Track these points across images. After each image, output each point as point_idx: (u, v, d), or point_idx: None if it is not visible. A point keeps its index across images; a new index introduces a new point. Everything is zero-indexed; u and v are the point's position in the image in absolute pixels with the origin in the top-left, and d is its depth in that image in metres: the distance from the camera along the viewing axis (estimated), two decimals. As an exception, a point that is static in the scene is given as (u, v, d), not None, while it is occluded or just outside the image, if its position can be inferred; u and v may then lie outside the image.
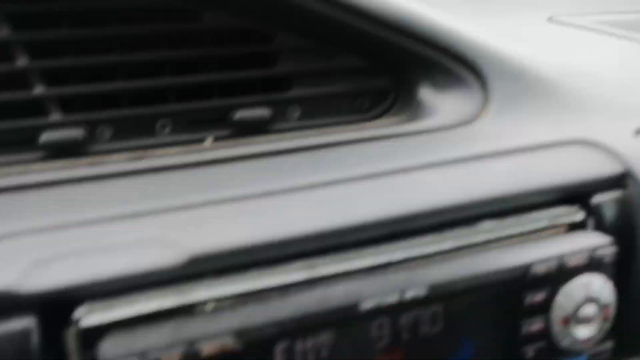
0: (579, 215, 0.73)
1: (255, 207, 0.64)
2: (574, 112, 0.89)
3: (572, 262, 0.67)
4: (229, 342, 0.54)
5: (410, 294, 0.61)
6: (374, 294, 0.60)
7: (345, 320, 0.59)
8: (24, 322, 0.53)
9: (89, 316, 0.54)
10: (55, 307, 0.55)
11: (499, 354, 0.67)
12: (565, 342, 0.69)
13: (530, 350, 0.68)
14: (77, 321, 0.54)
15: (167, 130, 0.84)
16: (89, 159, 0.76)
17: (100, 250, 0.57)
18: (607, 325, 0.71)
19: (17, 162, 0.76)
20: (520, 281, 0.65)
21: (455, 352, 0.65)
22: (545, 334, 0.68)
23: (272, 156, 0.76)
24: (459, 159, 0.74)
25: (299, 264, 0.62)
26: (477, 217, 0.70)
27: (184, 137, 0.85)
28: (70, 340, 0.54)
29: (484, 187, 0.71)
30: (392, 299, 0.60)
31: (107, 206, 0.62)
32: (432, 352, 0.64)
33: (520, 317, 0.67)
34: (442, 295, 0.62)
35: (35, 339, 0.53)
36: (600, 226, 0.74)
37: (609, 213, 0.75)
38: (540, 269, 0.65)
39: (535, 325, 0.67)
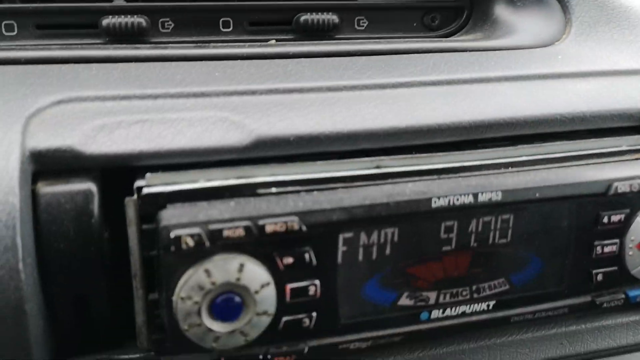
0: (661, 143, 0.69)
1: (323, 99, 0.61)
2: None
3: (656, 184, 0.63)
4: (294, 222, 0.52)
5: (484, 197, 0.57)
6: (446, 192, 0.57)
7: (413, 215, 0.56)
8: (86, 185, 0.52)
9: (152, 185, 0.52)
10: (118, 173, 0.53)
11: (566, 275, 0.64)
12: (637, 270, 0.65)
13: (599, 274, 0.64)
14: (139, 189, 0.52)
15: (229, 28, 0.82)
16: (152, 45, 0.74)
17: (165, 122, 0.55)
18: (684, 257, 0.67)
19: (82, 45, 0.74)
20: (599, 198, 0.62)
21: (521, 267, 0.62)
22: (618, 258, 0.65)
23: (340, 56, 0.72)
24: (538, 76, 0.70)
25: (367, 160, 0.59)
26: (554, 135, 0.67)
27: (246, 37, 0.82)
28: (131, 208, 0.52)
29: (563, 104, 0.67)
30: (464, 199, 0.57)
31: (173, 84, 0.60)
32: (499, 263, 0.61)
33: (594, 238, 0.63)
34: (516, 202, 0.59)
35: (96, 202, 0.52)
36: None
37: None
38: (621, 188, 0.62)
39: (608, 247, 0.64)
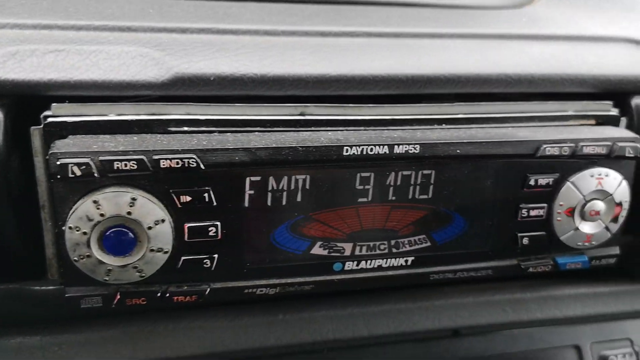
0: (611, 111, 0.67)
1: (257, 42, 0.60)
2: (629, 13, 0.82)
3: (588, 150, 0.61)
4: (191, 160, 0.51)
5: (400, 149, 0.56)
6: (360, 142, 0.55)
7: (325, 163, 0.55)
8: None
9: (57, 115, 0.52)
10: (26, 102, 0.53)
11: (491, 236, 0.63)
12: (565, 236, 0.64)
13: (525, 238, 0.63)
14: (44, 118, 0.52)
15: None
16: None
17: (82, 54, 0.54)
18: (615, 227, 0.65)
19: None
20: (527, 160, 0.60)
21: (444, 225, 0.61)
22: (546, 223, 0.63)
23: (290, 3, 0.71)
24: (493, 36, 0.68)
25: (291, 106, 0.57)
26: (505, 97, 0.65)
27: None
28: (36, 137, 0.52)
29: (511, 65, 0.65)
30: (379, 150, 0.55)
31: (101, 17, 0.59)
32: (419, 219, 0.60)
33: (520, 200, 0.61)
34: (436, 157, 0.57)
35: (1, 129, 0.51)
36: (632, 128, 0.67)
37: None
38: (550, 150, 0.60)
39: (535, 211, 0.62)
